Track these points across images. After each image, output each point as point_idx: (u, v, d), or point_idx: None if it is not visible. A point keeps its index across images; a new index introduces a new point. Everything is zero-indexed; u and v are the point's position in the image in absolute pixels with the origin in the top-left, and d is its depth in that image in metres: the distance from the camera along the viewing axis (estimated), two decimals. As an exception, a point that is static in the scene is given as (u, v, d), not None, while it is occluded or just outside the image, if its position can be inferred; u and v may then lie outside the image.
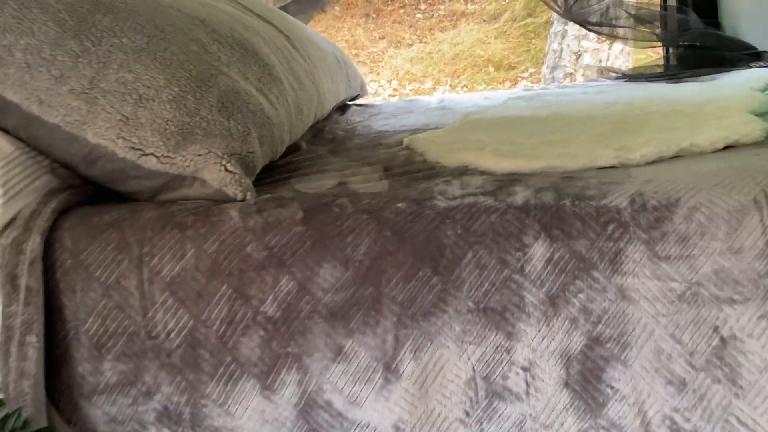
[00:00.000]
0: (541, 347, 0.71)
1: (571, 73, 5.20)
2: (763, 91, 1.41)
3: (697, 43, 2.03)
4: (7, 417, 0.72)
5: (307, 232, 0.77)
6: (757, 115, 1.13)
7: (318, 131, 1.52)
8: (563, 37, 5.20)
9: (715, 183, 0.74)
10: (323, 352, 0.73)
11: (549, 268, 0.72)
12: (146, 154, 0.83)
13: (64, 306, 0.77)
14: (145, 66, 0.88)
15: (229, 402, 0.74)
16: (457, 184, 0.85)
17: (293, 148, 1.26)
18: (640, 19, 2.11)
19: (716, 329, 0.68)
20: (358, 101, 2.04)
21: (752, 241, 0.69)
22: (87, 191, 0.88)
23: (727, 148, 0.94)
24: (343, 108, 1.88)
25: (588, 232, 0.72)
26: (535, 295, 0.72)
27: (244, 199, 0.85)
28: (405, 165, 1.06)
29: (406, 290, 0.73)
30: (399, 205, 0.79)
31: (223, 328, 0.75)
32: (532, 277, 0.72)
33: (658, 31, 2.10)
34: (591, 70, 4.91)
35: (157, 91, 0.86)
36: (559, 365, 0.71)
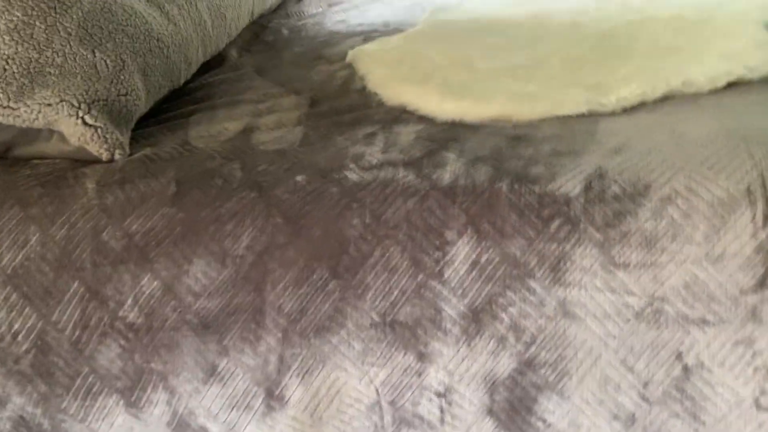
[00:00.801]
0: (459, 370, 0.57)
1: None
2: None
3: None
4: None
5: (177, 215, 0.61)
6: (776, 28, 0.92)
7: (260, 29, 1.29)
8: None
9: (701, 159, 0.57)
10: (193, 372, 0.60)
11: (474, 273, 0.56)
12: (-21, 103, 0.65)
13: None
14: (-26, -19, 0.67)
15: (90, 418, 0.62)
16: (381, 142, 0.68)
17: (217, 61, 1.06)
18: None
19: (679, 356, 0.54)
20: (321, -17, 1.77)
21: (738, 247, 0.53)
22: None
23: (730, 85, 0.75)
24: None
25: (526, 228, 0.56)
26: (455, 308, 0.57)
27: (111, 160, 0.68)
28: (337, 96, 0.87)
29: (296, 298, 0.58)
30: (298, 178, 0.62)
31: (77, 333, 0.61)
32: (453, 285, 0.56)
33: None
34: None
35: (-10, 17, 0.66)
36: (482, 391, 0.57)
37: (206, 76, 1.01)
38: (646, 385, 0.55)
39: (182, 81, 0.88)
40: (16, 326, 0.62)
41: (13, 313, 0.62)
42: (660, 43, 0.90)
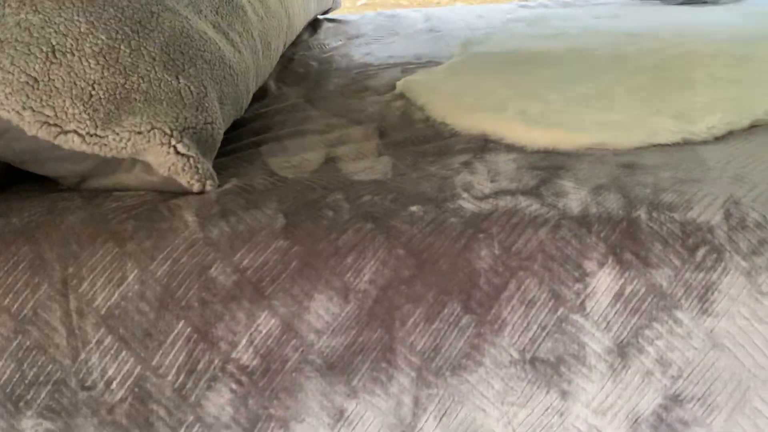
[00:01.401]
0: (603, 408, 0.55)
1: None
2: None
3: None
4: None
5: (292, 249, 0.57)
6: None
7: (287, 61, 1.27)
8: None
9: (830, 187, 0.57)
10: (318, 417, 0.55)
11: (618, 305, 0.54)
12: (66, 132, 0.61)
13: (-37, 347, 0.57)
14: (58, 3, 0.63)
15: (194, 473, 0.57)
16: (483, 171, 0.66)
17: (260, 92, 1.03)
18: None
19: (830, 387, 0.53)
20: (330, 15, 1.77)
21: None
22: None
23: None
24: (313, 24, 1.61)
25: (671, 258, 0.54)
26: (600, 342, 0.54)
27: (202, 191, 0.64)
28: (404, 127, 0.86)
29: (428, 334, 0.55)
30: (413, 208, 0.59)
31: (181, 378, 0.56)
32: (596, 318, 0.54)
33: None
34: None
35: (76, 41, 0.62)
36: (624, 429, 0.55)
37: (256, 106, 0.98)
38: (796, 418, 0.54)
39: (244, 110, 0.85)
40: (110, 372, 0.57)
41: (107, 358, 0.57)
42: (718, 75, 0.91)
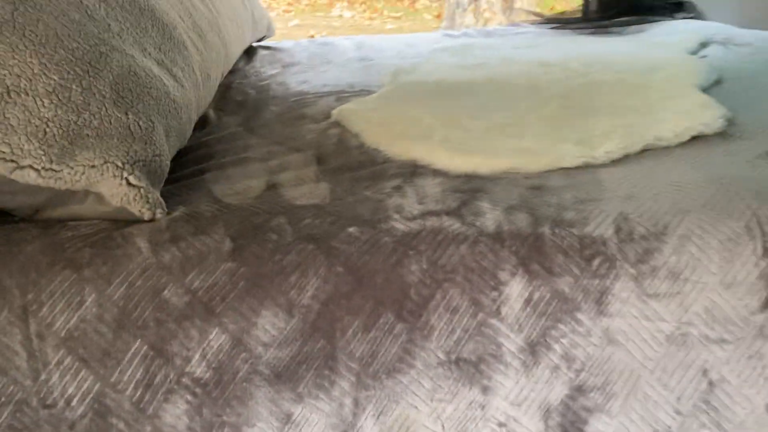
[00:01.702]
0: (518, 400, 0.63)
1: (476, 0, 5.09)
2: (695, 53, 1.36)
3: (619, -11, 1.96)
4: None
5: (239, 270, 0.63)
6: (703, 90, 1.08)
7: (225, 90, 1.32)
8: (469, -38, 5.06)
9: (702, 203, 0.67)
10: (267, 421, 0.61)
11: (528, 309, 0.62)
12: (22, 167, 0.65)
13: (-76, 373, 0.60)
14: (11, 46, 0.67)
15: (153, 480, 0.62)
16: (413, 194, 0.74)
17: (200, 121, 1.08)
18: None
19: (705, 372, 0.63)
20: (264, 42, 1.83)
21: (744, 274, 0.63)
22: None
23: (692, 138, 0.88)
24: (248, 51, 1.67)
25: (571, 267, 0.63)
26: (514, 342, 0.63)
27: (152, 219, 0.69)
28: (340, 153, 0.93)
29: (365, 342, 0.62)
30: (350, 230, 0.66)
31: (139, 392, 0.61)
32: (510, 321, 0.62)
33: (579, -27, 2.01)
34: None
35: (30, 81, 0.66)
36: (537, 417, 0.63)
37: (198, 135, 1.03)
38: (678, 399, 0.63)
39: (187, 140, 0.90)
40: (70, 390, 0.61)
41: (67, 377, 0.61)
42: (617, 104, 1.03)
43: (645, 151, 0.85)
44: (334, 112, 1.09)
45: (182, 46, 0.95)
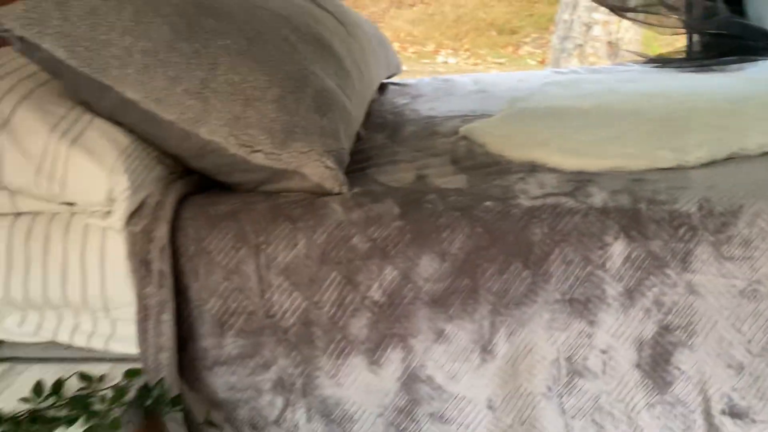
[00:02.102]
0: (618, 333, 0.81)
1: (581, 45, 5.24)
2: (790, 86, 1.50)
3: (722, 31, 2.10)
4: (147, 386, 0.82)
5: (406, 227, 0.86)
6: (793, 115, 1.23)
7: (367, 114, 1.59)
8: (574, 7, 5.22)
9: (771, 191, 0.84)
10: (426, 334, 0.83)
11: (627, 264, 0.81)
12: (255, 151, 0.91)
13: (189, 288, 0.86)
14: (249, 68, 0.95)
15: (340, 374, 0.85)
16: (534, 183, 0.95)
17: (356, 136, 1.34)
18: (666, 4, 2.17)
19: (771, 321, 0.79)
20: (392, 80, 2.11)
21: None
22: (194, 180, 0.97)
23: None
24: (380, 86, 1.95)
25: (662, 233, 0.81)
26: (615, 288, 0.82)
27: (340, 193, 0.93)
28: (470, 158, 1.15)
29: (500, 282, 0.83)
30: (487, 203, 0.88)
31: (333, 310, 0.85)
32: (612, 273, 0.82)
33: (683, 17, 2.16)
34: (601, 44, 4.96)
35: (262, 92, 0.94)
36: (632, 349, 0.81)
37: (355, 145, 1.29)
38: (749, 342, 0.79)
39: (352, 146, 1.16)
40: (285, 306, 0.86)
41: (284, 297, 0.86)
42: (711, 123, 1.19)
43: (730, 159, 1.02)
44: (462, 129, 1.32)
45: (348, 75, 1.22)
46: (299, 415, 0.87)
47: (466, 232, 0.85)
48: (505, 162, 1.10)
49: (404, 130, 1.43)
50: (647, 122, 1.24)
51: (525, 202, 0.88)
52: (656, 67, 2.05)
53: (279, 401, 0.87)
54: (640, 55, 2.29)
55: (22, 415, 0.75)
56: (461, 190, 0.94)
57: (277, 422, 0.87)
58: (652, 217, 0.83)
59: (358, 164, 1.15)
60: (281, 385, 0.86)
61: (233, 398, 0.87)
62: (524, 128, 1.27)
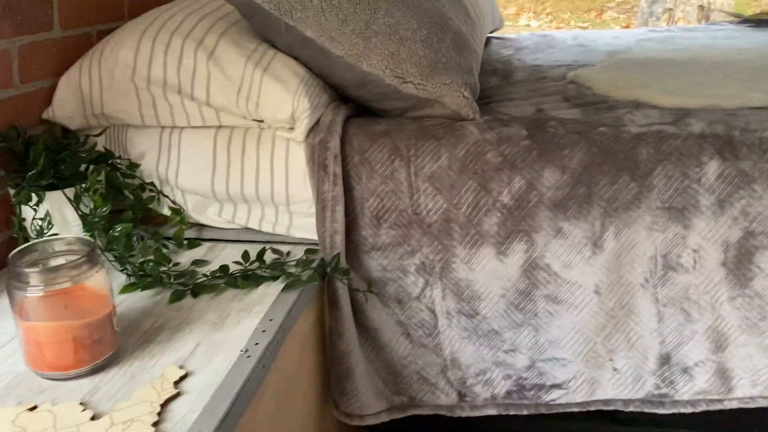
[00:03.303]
0: (708, 236, 0.98)
1: (671, 9, 5.16)
2: None
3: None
4: (323, 261, 1.05)
5: (532, 145, 1.05)
6: None
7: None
8: (665, -30, 5.14)
9: None
10: (546, 231, 1.03)
11: (720, 180, 0.98)
12: (406, 82, 1.12)
13: (354, 188, 1.08)
14: (403, 13, 1.15)
15: (472, 261, 1.05)
16: (640, 115, 1.11)
17: (472, 78, 1.52)
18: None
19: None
20: (494, 34, 2.27)
21: None
22: (352, 107, 1.18)
23: None
24: (485, 41, 2.11)
25: (752, 155, 0.98)
26: (708, 199, 0.98)
27: (473, 119, 1.13)
28: (580, 97, 1.32)
29: (611, 191, 1.01)
30: (601, 128, 1.06)
31: (469, 210, 1.05)
32: (706, 186, 0.98)
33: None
34: (692, 7, 4.88)
35: (412, 33, 1.14)
36: (720, 250, 0.98)
37: (473, 85, 1.48)
38: (822, 246, 0.95)
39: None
40: (429, 206, 1.07)
41: (429, 199, 1.07)
42: (802, 73, 1.32)
43: (817, 100, 1.15)
44: (569, 74, 1.49)
45: (474, 23, 1.40)
46: (436, 293, 1.08)
47: (583, 151, 1.03)
48: (612, 100, 1.27)
49: (514, 75, 1.61)
50: (740, 72, 1.38)
51: (633, 128, 1.06)
52: (750, 26, 2.14)
53: (420, 281, 1.08)
54: (734, 15, 2.35)
55: (237, 273, 0.99)
56: (577, 120, 1.12)
57: (417, 298, 1.09)
58: (744, 142, 0.99)
59: (480, 101, 1.34)
60: (423, 269, 1.08)
61: (384, 277, 1.09)
62: (626, 74, 1.42)
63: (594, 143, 1.04)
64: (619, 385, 1.07)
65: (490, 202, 1.05)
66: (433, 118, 1.14)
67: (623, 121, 1.08)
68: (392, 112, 1.17)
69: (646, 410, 1.08)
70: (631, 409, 1.09)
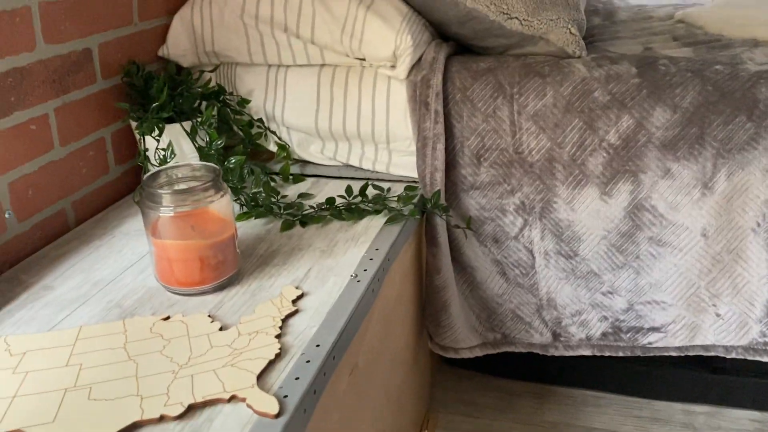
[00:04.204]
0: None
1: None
2: None
3: None
4: (423, 197, 1.07)
5: (642, 83, 1.02)
6: None
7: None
8: None
9: None
10: (654, 171, 1.00)
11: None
12: (511, 18, 1.10)
13: (454, 126, 1.09)
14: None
15: (575, 202, 1.05)
16: (760, 53, 1.06)
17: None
18: None
19: None
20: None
21: None
22: (453, 45, 1.18)
23: None
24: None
25: None
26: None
27: (579, 56, 1.10)
28: (691, 36, 1.26)
29: (725, 131, 0.97)
30: (716, 66, 1.01)
31: (574, 149, 1.04)
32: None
33: None
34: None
35: (518, -32, 1.11)
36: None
37: (575, 25, 1.43)
38: None
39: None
40: (532, 145, 1.06)
41: (531, 137, 1.06)
42: None
43: None
44: (678, 14, 1.42)
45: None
46: (535, 233, 1.09)
47: (697, 89, 1.00)
48: (726, 39, 1.21)
49: (617, 15, 1.55)
50: None
51: (752, 67, 1.00)
52: None
53: (519, 221, 1.09)
54: None
55: (342, 206, 1.03)
56: (690, 59, 1.07)
57: (516, 238, 1.10)
58: None
59: (584, 40, 1.30)
60: (522, 209, 1.08)
61: (482, 216, 1.10)
62: (741, 12, 1.34)
63: (709, 81, 1.00)
64: (722, 331, 1.05)
65: (596, 142, 1.03)
66: (537, 56, 1.12)
67: (741, 59, 1.03)
68: (494, 50, 1.16)
69: (749, 357, 1.06)
70: (732, 356, 1.07)
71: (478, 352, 1.15)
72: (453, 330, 1.11)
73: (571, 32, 1.09)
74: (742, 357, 1.06)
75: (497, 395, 1.33)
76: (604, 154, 1.03)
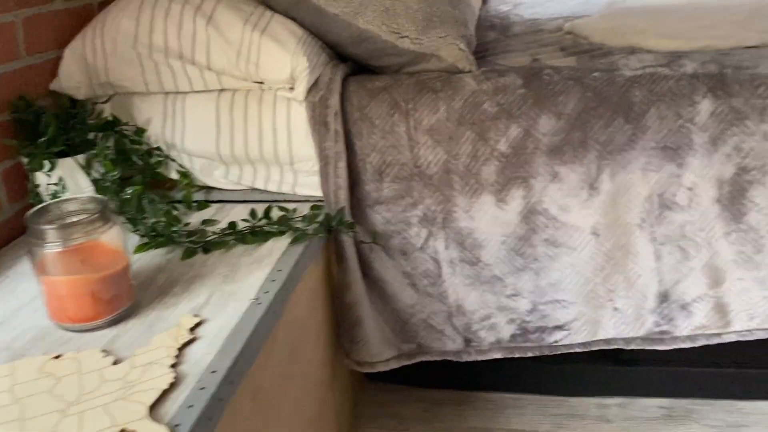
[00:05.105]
0: (702, 174, 1.01)
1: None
2: None
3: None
4: (328, 215, 1.08)
5: (527, 93, 1.07)
6: None
7: (477, 19, 1.77)
8: None
9: None
10: (543, 176, 1.05)
11: (712, 118, 1.00)
12: (402, 37, 1.13)
13: (355, 144, 1.11)
14: (396, -32, 1.16)
15: (473, 210, 1.08)
16: (634, 59, 1.13)
17: (469, 34, 1.53)
18: None
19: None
20: (492, -8, 2.25)
21: None
22: (349, 65, 1.20)
23: None
24: (482, -1, 2.10)
25: (744, 92, 0.99)
26: (701, 138, 1.00)
27: (470, 71, 1.15)
28: (576, 46, 1.33)
29: (605, 134, 1.03)
30: (595, 74, 1.08)
31: (468, 160, 1.08)
32: (700, 125, 1.00)
33: None
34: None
35: (406, -12, 1.15)
36: (714, 187, 1.00)
37: (471, 40, 1.49)
38: (814, 179, 0.97)
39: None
40: (429, 158, 1.09)
41: (428, 151, 1.09)
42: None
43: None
44: (566, 25, 1.49)
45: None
46: (439, 243, 1.11)
47: (578, 96, 1.05)
48: (607, 48, 1.28)
49: (512, 29, 1.62)
50: (736, 14, 1.38)
51: (627, 72, 1.07)
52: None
53: (423, 232, 1.12)
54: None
55: (245, 230, 1.03)
56: (572, 67, 1.13)
57: (422, 249, 1.12)
58: (736, 79, 1.00)
59: (477, 54, 1.35)
60: (426, 220, 1.11)
61: (389, 230, 1.13)
62: (622, 22, 1.43)
63: (588, 88, 1.06)
64: (620, 324, 1.10)
65: (489, 151, 1.07)
66: (430, 72, 1.16)
67: (617, 65, 1.10)
68: (390, 69, 1.19)
69: (647, 347, 1.11)
70: (632, 347, 1.12)
71: (394, 364, 1.17)
72: (367, 344, 1.13)
73: (460, 48, 1.14)
74: (641, 347, 1.11)
75: (421, 406, 1.35)
76: (497, 163, 1.07)
